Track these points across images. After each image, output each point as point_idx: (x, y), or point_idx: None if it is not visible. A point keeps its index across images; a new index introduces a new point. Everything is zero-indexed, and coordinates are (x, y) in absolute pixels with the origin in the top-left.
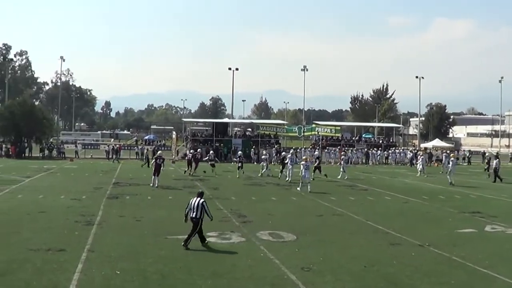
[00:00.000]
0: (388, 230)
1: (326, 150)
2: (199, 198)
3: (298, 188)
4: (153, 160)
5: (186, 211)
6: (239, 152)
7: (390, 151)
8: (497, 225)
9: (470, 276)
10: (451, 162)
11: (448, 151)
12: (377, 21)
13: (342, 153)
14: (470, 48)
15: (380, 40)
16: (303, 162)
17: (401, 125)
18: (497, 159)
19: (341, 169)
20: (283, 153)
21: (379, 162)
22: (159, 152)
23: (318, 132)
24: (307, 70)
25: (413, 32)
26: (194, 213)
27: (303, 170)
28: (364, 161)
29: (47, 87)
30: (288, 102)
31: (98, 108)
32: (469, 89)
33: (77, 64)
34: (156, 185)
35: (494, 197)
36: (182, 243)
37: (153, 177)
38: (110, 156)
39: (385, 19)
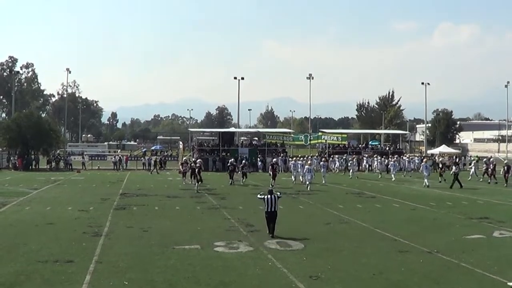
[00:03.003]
0: (396, 237)
1: (331, 158)
2: (272, 194)
3: (308, 188)
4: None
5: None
6: (231, 160)
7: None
8: (505, 231)
9: (479, 282)
10: (422, 166)
11: (417, 156)
12: (381, 28)
13: (323, 159)
14: (475, 53)
15: (385, 46)
16: (307, 166)
17: (407, 132)
18: (457, 165)
19: (322, 175)
20: (243, 161)
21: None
22: (198, 159)
23: (325, 140)
24: (312, 78)
25: (418, 37)
26: (273, 207)
27: (306, 173)
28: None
29: (53, 99)
30: (294, 111)
31: (104, 119)
32: (475, 94)
33: (83, 76)
34: (195, 190)
35: (501, 203)
36: (270, 234)
37: (196, 183)
38: (118, 167)
39: (389, 25)
